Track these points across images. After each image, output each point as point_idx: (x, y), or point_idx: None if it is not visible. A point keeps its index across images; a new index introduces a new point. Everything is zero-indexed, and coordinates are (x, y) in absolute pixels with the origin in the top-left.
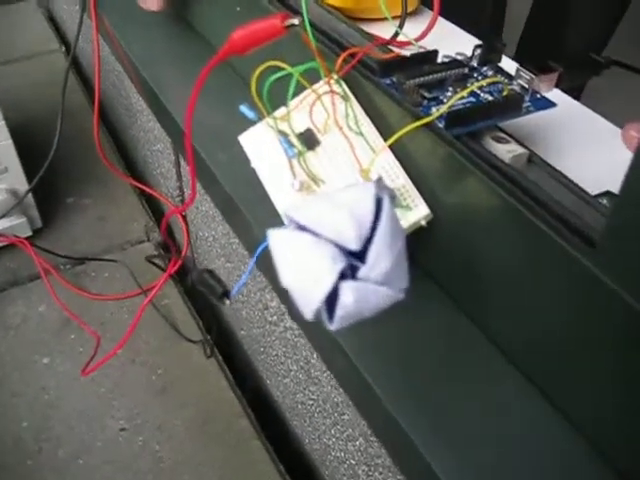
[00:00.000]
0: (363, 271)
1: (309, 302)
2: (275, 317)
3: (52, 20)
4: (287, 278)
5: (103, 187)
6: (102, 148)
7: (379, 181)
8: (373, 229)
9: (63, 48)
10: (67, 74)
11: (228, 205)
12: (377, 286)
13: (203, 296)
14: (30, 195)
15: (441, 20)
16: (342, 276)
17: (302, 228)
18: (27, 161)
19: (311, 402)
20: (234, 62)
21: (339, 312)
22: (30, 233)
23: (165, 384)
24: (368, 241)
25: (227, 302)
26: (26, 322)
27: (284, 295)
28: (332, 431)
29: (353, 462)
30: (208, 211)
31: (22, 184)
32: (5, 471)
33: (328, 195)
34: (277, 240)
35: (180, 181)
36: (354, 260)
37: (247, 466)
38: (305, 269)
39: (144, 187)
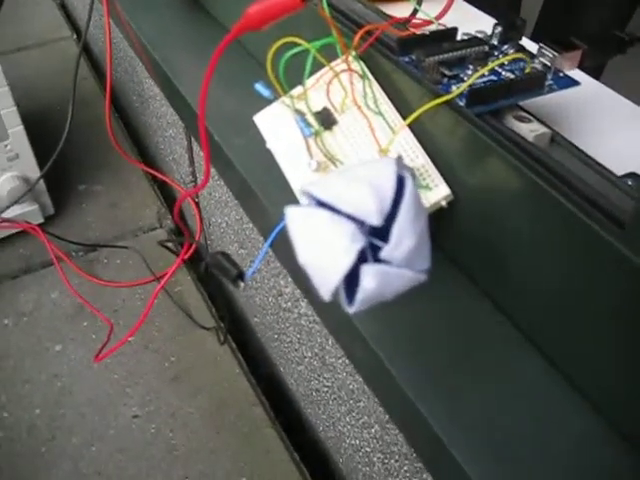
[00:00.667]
0: (386, 250)
1: (326, 282)
2: (289, 303)
3: (64, 8)
4: (304, 257)
5: (115, 174)
6: (114, 135)
7: (399, 159)
8: (395, 207)
9: (74, 35)
10: (78, 60)
11: (243, 189)
12: (399, 269)
13: (216, 283)
14: (42, 182)
15: (458, 1)
16: (362, 256)
17: (320, 204)
18: (39, 148)
19: (326, 389)
20: (247, 44)
21: (360, 296)
22: (42, 220)
23: (178, 371)
24: (390, 219)
25: (242, 285)
26: (39, 309)
27: (300, 281)
28: (347, 418)
29: (368, 450)
30: (221, 197)
31: (34, 171)
32: (19, 458)
33: (347, 170)
34: (295, 218)
35: (193, 166)
36: (375, 239)
37: (261, 454)
38: (323, 248)
39: (156, 173)
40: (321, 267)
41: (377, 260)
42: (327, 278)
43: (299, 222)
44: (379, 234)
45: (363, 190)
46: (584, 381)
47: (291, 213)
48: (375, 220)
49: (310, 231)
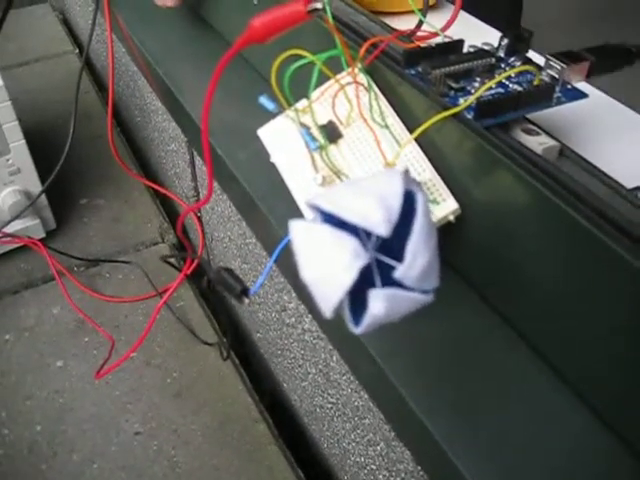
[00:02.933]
0: (401, 270)
1: (328, 299)
2: (293, 319)
3: (66, 23)
4: (306, 273)
5: (117, 188)
6: (116, 149)
7: (407, 173)
8: (405, 223)
9: (77, 50)
10: (80, 74)
11: (246, 203)
12: (408, 293)
13: (219, 298)
14: (43, 196)
15: (462, 13)
16: (368, 272)
17: (326, 216)
18: (41, 163)
19: (330, 406)
20: (250, 58)
21: (367, 320)
22: (44, 234)
23: (180, 387)
24: (398, 236)
25: (246, 301)
26: (40, 324)
27: (304, 296)
28: (352, 435)
29: (374, 467)
30: (224, 211)
31: (35, 185)
32: (20, 475)
33: (353, 182)
34: (298, 232)
35: (195, 181)
36: (382, 256)
37: (264, 471)
38: (324, 264)
39: (158, 188)
40: (323, 283)
41: (385, 277)
42: (328, 295)
43: (302, 236)
44: (386, 250)
45: (369, 200)
46: (595, 396)
47: (295, 227)
48: (383, 231)
49: (312, 246)
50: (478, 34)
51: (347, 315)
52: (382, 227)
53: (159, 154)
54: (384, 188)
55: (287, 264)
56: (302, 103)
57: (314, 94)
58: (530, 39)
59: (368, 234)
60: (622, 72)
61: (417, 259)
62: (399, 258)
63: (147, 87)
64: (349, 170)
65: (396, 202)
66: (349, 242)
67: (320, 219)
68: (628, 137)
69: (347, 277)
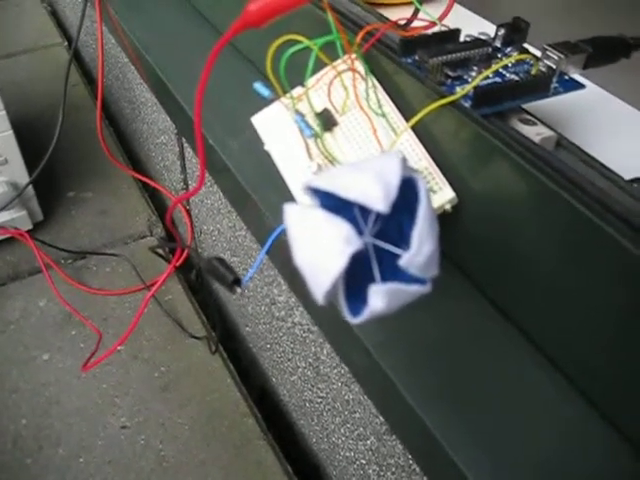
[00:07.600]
0: (406, 258)
1: (320, 285)
2: (283, 312)
3: (54, 15)
4: (299, 257)
5: (105, 181)
6: (105, 141)
7: (404, 160)
8: (408, 212)
9: (65, 42)
10: (69, 66)
11: (238, 194)
12: (408, 286)
13: (207, 292)
14: (31, 188)
15: (457, 6)
16: (365, 260)
17: (322, 201)
18: (29, 154)
19: (320, 400)
20: (242, 48)
21: (366, 313)
22: (31, 226)
23: (168, 381)
24: (399, 225)
25: (238, 290)
26: (26, 317)
27: (295, 288)
28: (342, 430)
29: (363, 462)
30: (213, 204)
31: (23, 177)
32: (4, 470)
33: (350, 164)
34: (292, 215)
35: (184, 173)
36: (384, 243)
37: (253, 466)
38: (317, 249)
39: (147, 180)
40: (314, 269)
41: (382, 265)
42: (320, 281)
43: (296, 220)
44: (383, 239)
45: (367, 176)
46: (596, 391)
47: (289, 210)
48: (382, 206)
49: (306, 230)
50: (471, 25)
51: (342, 304)
52: (381, 203)
53: (148, 147)
54: (382, 166)
55: (278, 256)
56: (297, 90)
57: (310, 81)
58: (527, 30)
59: (366, 220)
60: (618, 65)
61: (423, 246)
62: (399, 247)
63: (137, 79)
64: (344, 158)
65: (395, 179)
66: (342, 228)
67: (317, 204)
68: (623, 130)
69: (338, 263)
